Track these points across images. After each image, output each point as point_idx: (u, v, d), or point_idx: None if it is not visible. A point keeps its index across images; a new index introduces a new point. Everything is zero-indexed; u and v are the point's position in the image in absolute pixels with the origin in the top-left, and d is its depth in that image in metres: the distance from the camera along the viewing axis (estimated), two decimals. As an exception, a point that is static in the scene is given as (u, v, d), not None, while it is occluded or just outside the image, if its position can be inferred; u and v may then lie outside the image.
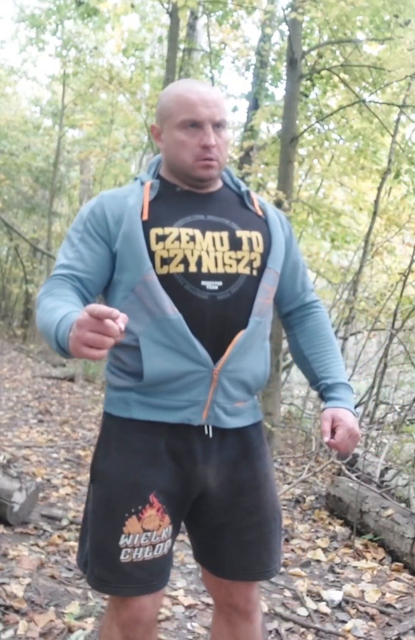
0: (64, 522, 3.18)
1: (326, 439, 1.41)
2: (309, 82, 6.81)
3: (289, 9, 5.42)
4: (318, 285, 8.46)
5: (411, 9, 4.96)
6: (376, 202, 6.59)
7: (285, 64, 6.03)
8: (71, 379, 8.68)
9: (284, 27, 7.01)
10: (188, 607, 2.44)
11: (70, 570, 2.65)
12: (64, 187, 13.78)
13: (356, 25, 5.74)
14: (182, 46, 7.99)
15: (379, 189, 6.62)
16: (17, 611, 2.22)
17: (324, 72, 6.43)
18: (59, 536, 2.97)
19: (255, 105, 8.03)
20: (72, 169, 14.42)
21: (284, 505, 3.88)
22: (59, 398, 7.32)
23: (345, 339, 6.51)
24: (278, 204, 5.25)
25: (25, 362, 10.10)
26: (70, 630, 2.15)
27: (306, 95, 6.94)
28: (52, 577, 2.55)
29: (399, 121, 6.46)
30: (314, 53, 6.32)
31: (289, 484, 4.19)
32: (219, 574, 1.47)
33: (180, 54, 7.75)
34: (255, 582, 1.48)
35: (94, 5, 7.59)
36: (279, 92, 8.60)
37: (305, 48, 5.93)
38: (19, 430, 5.37)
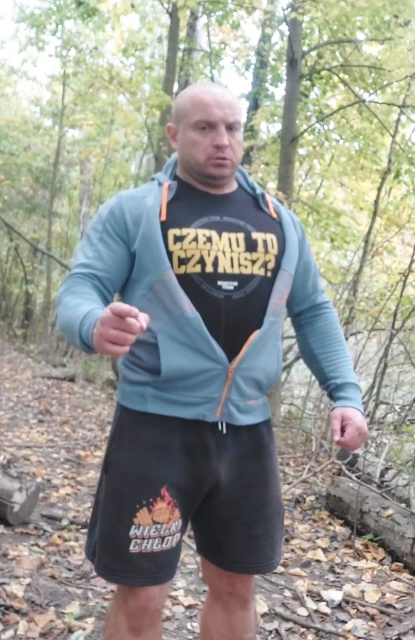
0: (64, 522, 3.18)
1: (337, 437, 1.45)
2: (309, 82, 6.81)
3: (289, 9, 5.42)
4: (318, 285, 8.44)
5: (411, 9, 4.97)
6: (376, 202, 6.59)
7: (285, 64, 6.03)
8: (71, 379, 8.68)
9: (284, 27, 7.01)
10: (188, 607, 2.44)
11: (70, 570, 2.65)
12: (64, 187, 13.77)
13: (356, 26, 5.74)
14: (182, 46, 7.99)
15: (379, 189, 6.62)
16: (17, 611, 2.22)
17: (323, 72, 6.43)
18: (59, 536, 2.97)
19: (255, 105, 8.04)
20: (72, 169, 14.41)
21: (285, 505, 3.88)
22: (59, 398, 7.32)
23: (345, 339, 6.49)
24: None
25: (26, 362, 10.09)
26: (71, 630, 2.15)
27: (306, 95, 6.94)
28: (52, 577, 2.55)
29: (399, 121, 6.46)
30: (314, 53, 6.31)
31: (289, 484, 4.18)
32: (224, 567, 1.51)
33: (180, 54, 7.75)
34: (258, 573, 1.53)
35: (94, 5, 7.59)
36: (279, 92, 8.59)
37: (305, 48, 5.93)
38: (19, 431, 5.37)
